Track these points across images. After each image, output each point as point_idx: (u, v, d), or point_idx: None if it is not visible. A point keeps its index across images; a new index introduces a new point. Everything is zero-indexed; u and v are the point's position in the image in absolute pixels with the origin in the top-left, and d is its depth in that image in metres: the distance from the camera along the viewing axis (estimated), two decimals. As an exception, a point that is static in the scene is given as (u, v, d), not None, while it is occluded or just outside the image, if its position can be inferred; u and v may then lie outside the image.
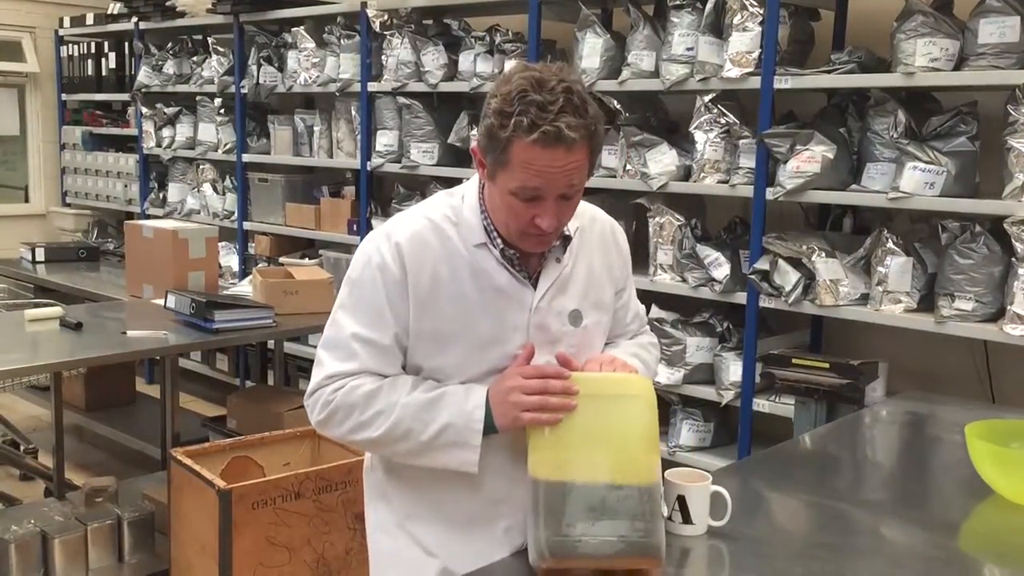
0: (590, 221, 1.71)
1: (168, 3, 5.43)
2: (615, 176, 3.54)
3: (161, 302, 3.48)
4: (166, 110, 5.55)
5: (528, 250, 1.59)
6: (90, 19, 6.07)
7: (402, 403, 1.54)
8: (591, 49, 3.54)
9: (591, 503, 1.39)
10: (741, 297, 3.24)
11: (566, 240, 1.64)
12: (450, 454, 1.54)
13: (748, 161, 3.18)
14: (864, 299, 3.03)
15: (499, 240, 1.59)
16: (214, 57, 5.20)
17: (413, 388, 1.57)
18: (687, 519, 1.57)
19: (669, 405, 3.43)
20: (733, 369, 3.26)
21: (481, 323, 1.58)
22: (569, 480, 1.42)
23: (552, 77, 1.45)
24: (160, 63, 5.56)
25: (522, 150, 1.44)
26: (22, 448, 4.40)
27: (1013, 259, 2.69)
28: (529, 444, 1.48)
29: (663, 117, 3.66)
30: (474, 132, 4.04)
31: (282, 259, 4.77)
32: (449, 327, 1.57)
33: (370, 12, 4.34)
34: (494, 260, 1.59)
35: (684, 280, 3.36)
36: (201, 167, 5.41)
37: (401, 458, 1.62)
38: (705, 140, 3.29)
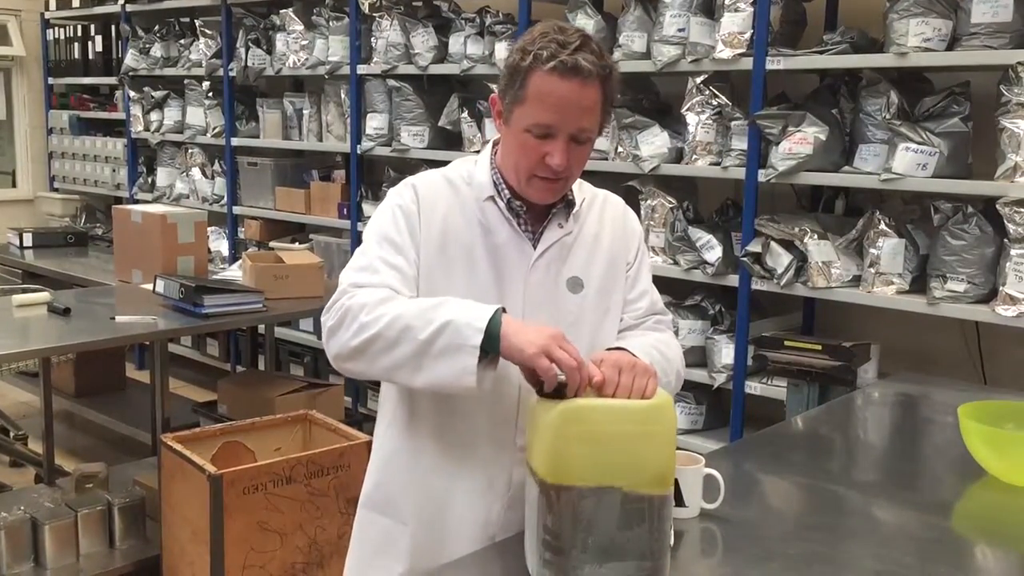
0: (602, 199, 1.73)
1: (155, -15, 5.38)
2: (607, 159, 3.53)
3: (150, 287, 3.45)
4: (154, 94, 5.51)
5: (536, 198, 1.60)
6: (76, 1, 6.01)
7: (409, 304, 1.51)
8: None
9: (601, 545, 1.32)
10: (733, 280, 3.23)
11: (570, 206, 1.65)
12: (447, 360, 1.42)
13: (740, 143, 3.17)
14: (856, 281, 3.03)
15: (506, 192, 1.62)
16: (201, 40, 5.15)
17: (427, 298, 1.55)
18: (680, 502, 1.57)
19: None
20: (725, 352, 3.25)
21: (480, 276, 1.60)
22: (581, 518, 1.32)
23: (571, 26, 1.56)
24: (147, 46, 5.51)
25: (539, 81, 1.49)
26: (12, 434, 4.38)
27: (1005, 240, 2.69)
28: (532, 455, 1.40)
29: (655, 99, 3.64)
30: (465, 115, 4.01)
31: (272, 243, 4.75)
32: (449, 278, 1.59)
33: (359, -7, 4.30)
34: (499, 213, 1.62)
35: (676, 263, 3.36)
36: (190, 151, 5.37)
37: (401, 376, 1.49)
38: (697, 122, 3.28)
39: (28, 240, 5.02)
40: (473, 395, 1.47)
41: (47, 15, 6.27)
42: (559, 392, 1.38)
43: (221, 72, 5.04)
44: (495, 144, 1.69)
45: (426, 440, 1.64)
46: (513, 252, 1.62)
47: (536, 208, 1.64)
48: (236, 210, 5.14)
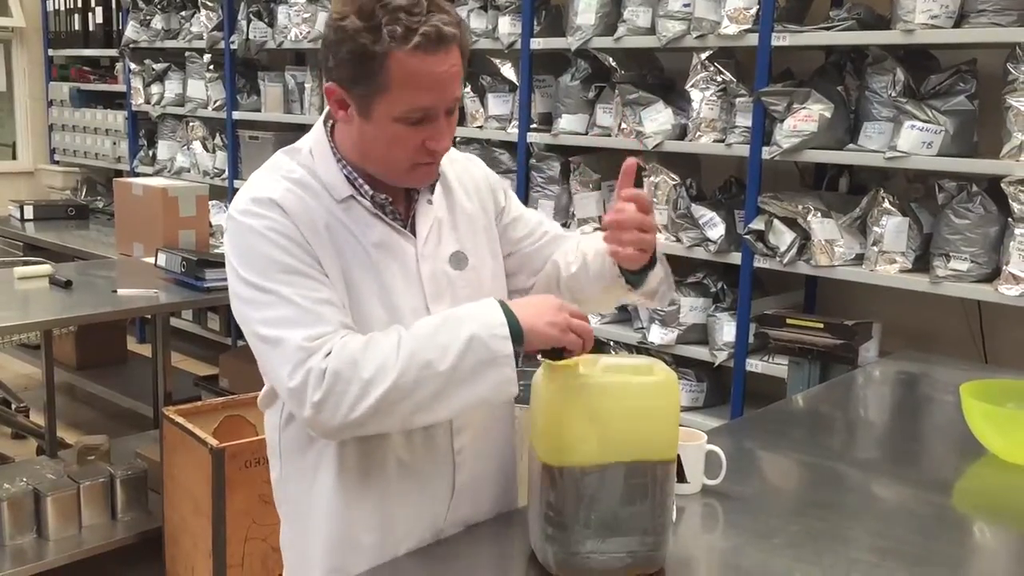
0: (448, 161, 1.55)
1: (155, -44, 5.34)
2: (610, 135, 3.51)
3: (151, 260, 3.45)
4: (155, 66, 5.47)
5: (417, 184, 1.46)
6: (76, -28, 5.97)
7: (407, 336, 1.32)
8: (586, 5, 3.49)
9: (604, 520, 1.32)
10: (736, 257, 3.22)
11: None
12: (483, 377, 1.31)
13: (744, 120, 3.15)
14: (859, 259, 3.02)
15: (366, 188, 1.44)
16: (202, 12, 5.11)
17: (409, 326, 1.37)
18: (682, 478, 1.57)
19: (662, 365, 3.43)
20: (727, 329, 3.25)
21: (368, 283, 1.42)
22: (583, 494, 1.31)
23: None
24: (148, 18, 5.47)
25: (404, 62, 1.30)
26: (13, 407, 4.39)
27: (1010, 219, 2.68)
28: (535, 435, 1.38)
29: (659, 75, 3.61)
30: (468, 90, 3.98)
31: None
32: (340, 289, 1.40)
33: (362, -34, 4.26)
34: (366, 212, 1.43)
35: (679, 240, 3.35)
36: (191, 124, 5.35)
37: (421, 418, 1.34)
38: (701, 98, 3.26)
39: (29, 213, 5.01)
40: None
41: (47, -14, 6.23)
42: (558, 354, 1.36)
43: (222, 45, 5.01)
44: (331, 134, 1.47)
45: (351, 474, 1.45)
46: (394, 248, 1.45)
47: (398, 191, 1.47)
48: (237, 184, 5.12)
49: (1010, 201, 2.65)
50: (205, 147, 5.29)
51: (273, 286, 1.34)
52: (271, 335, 1.33)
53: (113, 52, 5.84)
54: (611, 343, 3.55)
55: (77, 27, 6.08)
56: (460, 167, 1.61)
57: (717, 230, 3.23)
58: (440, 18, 1.31)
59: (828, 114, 2.98)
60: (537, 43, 3.68)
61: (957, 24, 2.76)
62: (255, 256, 1.36)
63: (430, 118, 1.36)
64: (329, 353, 1.30)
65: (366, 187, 1.44)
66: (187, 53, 5.28)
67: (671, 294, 1.64)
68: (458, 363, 1.30)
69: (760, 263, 3.16)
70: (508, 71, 3.83)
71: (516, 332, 1.33)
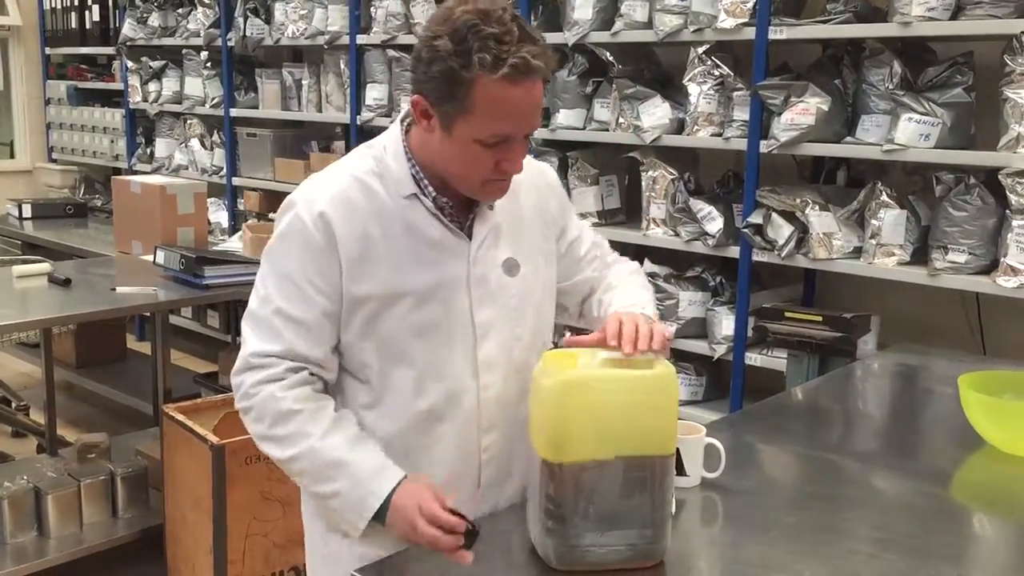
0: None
1: (152, -46, 5.33)
2: (608, 130, 3.51)
3: (150, 258, 3.45)
4: (152, 64, 5.47)
5: (488, 200, 1.52)
6: (72, -30, 5.96)
7: (310, 446, 1.45)
8: (583, 0, 3.49)
9: (603, 513, 1.33)
10: (734, 251, 3.22)
11: None
12: (335, 515, 1.49)
13: (742, 114, 3.15)
14: (857, 252, 3.03)
15: (430, 189, 1.50)
16: (199, 9, 5.11)
17: (332, 427, 1.47)
18: (681, 471, 1.58)
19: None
20: (726, 323, 3.25)
21: (418, 278, 1.48)
22: (583, 488, 1.32)
23: (493, 6, 1.36)
24: (145, 15, 5.46)
25: (490, 89, 1.34)
26: (13, 405, 4.39)
27: (1007, 211, 2.68)
28: (534, 430, 1.40)
29: (656, 69, 3.61)
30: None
31: (272, 215, 4.72)
32: (385, 288, 1.47)
33: (358, -38, 4.26)
34: (425, 211, 1.50)
35: (677, 234, 3.35)
36: (188, 122, 5.34)
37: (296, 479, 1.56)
38: (699, 92, 3.26)
39: (27, 211, 5.01)
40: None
41: (43, -16, 6.22)
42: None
43: (219, 42, 5.00)
44: (406, 130, 1.53)
45: (391, 411, 1.55)
46: (449, 249, 1.51)
47: (461, 196, 1.52)
48: (235, 181, 5.12)
49: (1007, 193, 2.65)
50: (203, 144, 5.29)
51: (268, 280, 1.50)
52: (245, 324, 1.52)
53: (110, 50, 5.84)
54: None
55: (74, 25, 6.07)
56: (531, 175, 1.61)
57: (715, 224, 3.23)
58: (529, 49, 1.35)
59: (825, 107, 2.98)
60: (534, 38, 3.67)
61: (954, 16, 2.76)
62: (274, 248, 1.51)
63: (508, 142, 1.41)
64: (260, 383, 1.47)
65: (430, 188, 1.50)
66: (184, 50, 5.28)
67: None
68: (322, 497, 1.50)
69: (758, 257, 3.16)
70: (505, 66, 3.83)
71: (381, 516, 1.43)
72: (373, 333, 1.50)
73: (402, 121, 1.55)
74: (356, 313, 1.49)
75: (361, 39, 4.32)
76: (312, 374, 1.50)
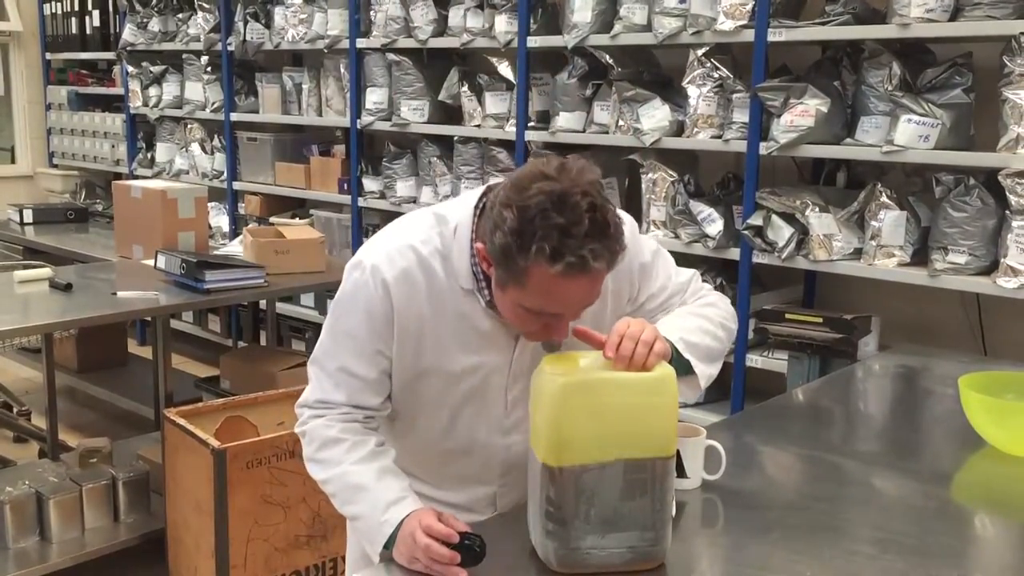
0: None
1: (152, -41, 5.33)
2: (607, 132, 3.51)
3: (151, 263, 3.45)
4: (152, 69, 5.47)
5: (536, 340, 1.51)
6: (73, -24, 5.97)
7: (343, 470, 1.53)
8: (583, 3, 3.49)
9: (603, 516, 1.34)
10: (734, 253, 3.23)
11: None
12: (360, 534, 1.55)
13: (741, 115, 3.15)
14: (857, 253, 3.03)
15: (486, 292, 1.50)
16: (199, 14, 5.11)
17: (367, 457, 1.54)
18: (682, 473, 1.58)
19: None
20: (726, 325, 3.25)
21: (461, 361, 1.54)
22: (583, 490, 1.33)
23: (574, 189, 1.31)
24: (145, 20, 5.47)
25: (543, 276, 1.33)
26: (15, 410, 4.39)
27: (1007, 212, 2.68)
28: (534, 433, 1.40)
29: (655, 72, 3.61)
30: (465, 89, 3.99)
31: (272, 219, 4.74)
32: (427, 364, 1.54)
33: (358, -34, 4.27)
34: (480, 307, 1.52)
35: (677, 236, 3.35)
36: (189, 126, 5.35)
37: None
38: (698, 95, 3.26)
39: (28, 216, 5.01)
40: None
41: (44, -11, 6.23)
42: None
43: (219, 46, 5.01)
44: (478, 215, 1.49)
45: (419, 444, 1.65)
46: (496, 341, 1.54)
47: None
48: (236, 185, 5.13)
49: (1007, 194, 2.65)
50: (203, 149, 5.29)
51: (336, 335, 1.56)
52: (312, 368, 1.60)
53: (111, 55, 5.84)
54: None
55: (74, 30, 6.08)
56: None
57: (715, 226, 3.23)
58: (592, 248, 1.31)
59: (825, 109, 2.98)
60: (534, 41, 3.68)
61: (953, 17, 2.77)
62: (342, 304, 1.55)
63: (557, 317, 1.42)
64: (318, 417, 1.57)
65: (486, 291, 1.50)
66: (184, 55, 5.28)
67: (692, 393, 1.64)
68: (348, 517, 1.58)
69: (759, 258, 3.16)
70: (505, 69, 3.84)
71: (390, 543, 1.46)
72: (409, 391, 1.58)
73: (476, 204, 1.51)
74: (399, 375, 1.57)
75: (361, 43, 4.33)
76: (367, 416, 1.59)
